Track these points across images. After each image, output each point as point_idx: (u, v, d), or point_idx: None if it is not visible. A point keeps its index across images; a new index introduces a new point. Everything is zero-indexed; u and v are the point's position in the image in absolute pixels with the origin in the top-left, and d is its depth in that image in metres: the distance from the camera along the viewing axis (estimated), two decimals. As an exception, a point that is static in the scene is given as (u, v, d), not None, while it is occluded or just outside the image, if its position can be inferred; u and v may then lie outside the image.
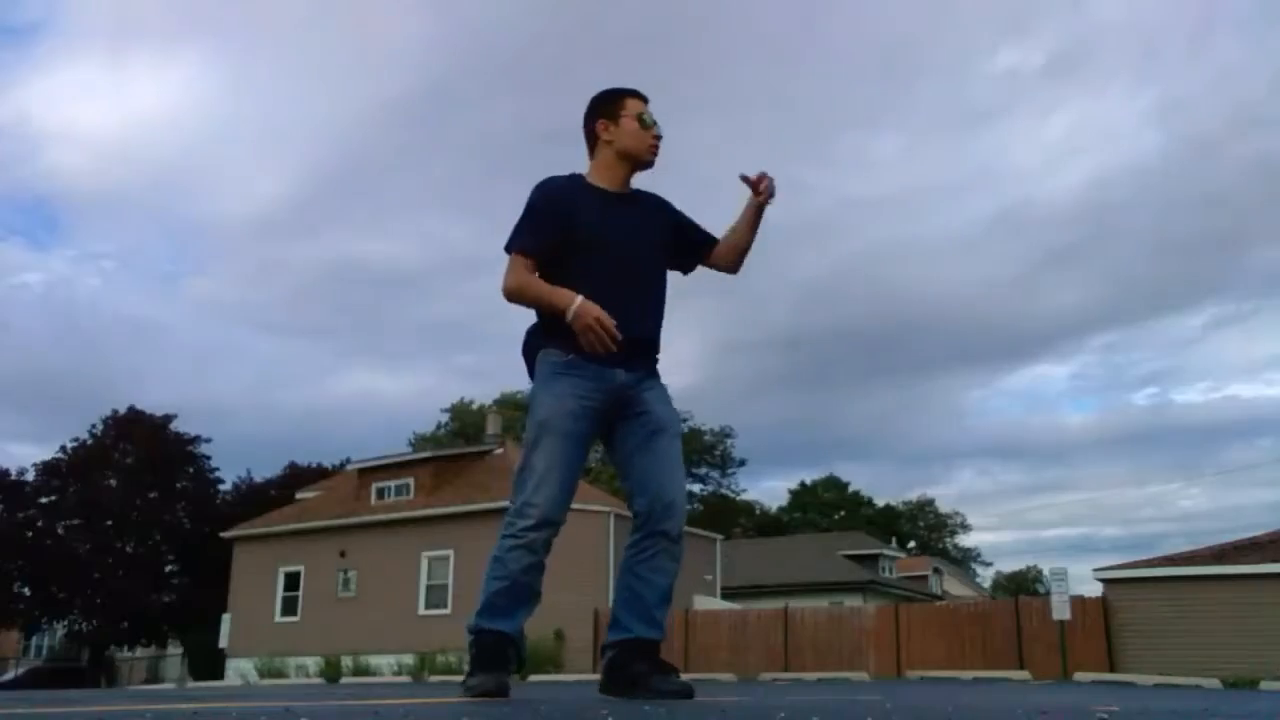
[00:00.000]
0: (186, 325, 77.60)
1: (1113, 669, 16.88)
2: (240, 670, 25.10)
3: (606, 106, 3.10)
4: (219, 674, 26.83)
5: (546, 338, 3.01)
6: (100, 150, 70.35)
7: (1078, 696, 5.58)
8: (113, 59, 68.33)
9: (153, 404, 42.68)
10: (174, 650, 35.21)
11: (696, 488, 57.37)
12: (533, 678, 17.20)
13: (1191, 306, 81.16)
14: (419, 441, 50.45)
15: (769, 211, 3.16)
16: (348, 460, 32.37)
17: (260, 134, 71.67)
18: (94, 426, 34.17)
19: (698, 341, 74.94)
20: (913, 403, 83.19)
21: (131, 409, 34.66)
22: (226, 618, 27.19)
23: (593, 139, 3.13)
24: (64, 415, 76.45)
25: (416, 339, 79.59)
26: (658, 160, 3.13)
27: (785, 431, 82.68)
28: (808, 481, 66.11)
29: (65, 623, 34.28)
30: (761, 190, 3.12)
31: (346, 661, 21.85)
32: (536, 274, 2.98)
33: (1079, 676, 16.10)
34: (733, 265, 3.27)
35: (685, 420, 55.09)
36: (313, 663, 22.61)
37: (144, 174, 74.16)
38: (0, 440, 69.21)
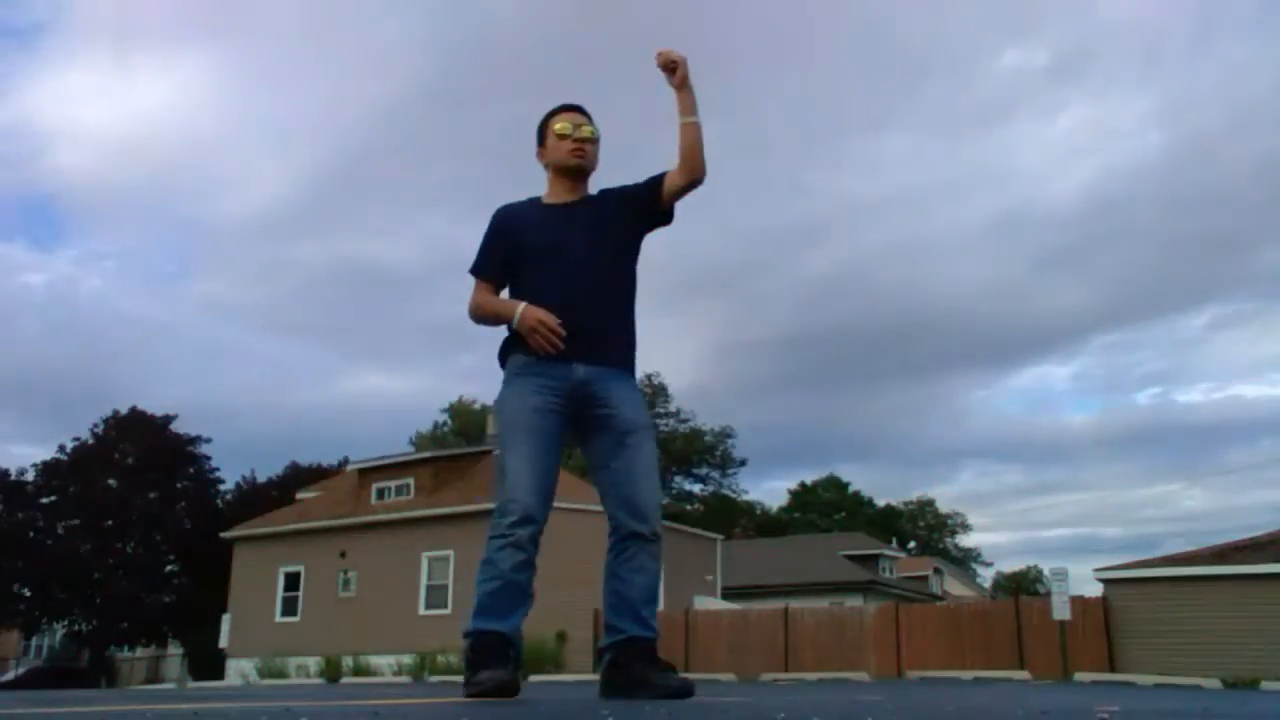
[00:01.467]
0: (188, 326, 77.65)
1: (1113, 669, 16.89)
2: (241, 670, 25.11)
3: (538, 136, 3.33)
4: (219, 674, 26.85)
5: (512, 345, 3.15)
6: (104, 150, 70.60)
7: (1078, 697, 5.58)
8: (117, 60, 68.42)
9: (155, 404, 42.75)
10: (174, 650, 35.23)
11: (697, 488, 57.43)
12: (533, 678, 17.20)
13: (1194, 307, 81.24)
14: (419, 441, 50.47)
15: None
16: (347, 460, 32.41)
17: (263, 134, 71.83)
18: (95, 426, 34.24)
19: (700, 341, 75.06)
20: (914, 403, 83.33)
21: (132, 409, 34.70)
22: (226, 618, 27.19)
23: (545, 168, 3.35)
24: (66, 416, 76.70)
25: (418, 339, 79.64)
26: (592, 160, 3.25)
27: (786, 431, 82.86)
28: (808, 482, 66.20)
29: (65, 623, 34.31)
30: (672, 67, 3.12)
31: (347, 661, 21.85)
32: (496, 293, 3.23)
33: (1079, 677, 16.11)
34: (690, 172, 3.15)
35: (686, 420, 55.19)
36: (313, 663, 22.61)
37: (147, 174, 74.30)
38: (4, 441, 69.12)
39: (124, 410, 34.69)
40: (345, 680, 19.54)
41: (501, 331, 3.23)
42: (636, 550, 3.02)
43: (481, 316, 3.22)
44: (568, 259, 3.12)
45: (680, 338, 72.80)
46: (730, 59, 66.48)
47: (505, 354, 3.19)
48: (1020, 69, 70.71)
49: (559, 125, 3.24)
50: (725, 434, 55.96)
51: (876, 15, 66.29)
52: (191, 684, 24.67)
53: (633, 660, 2.97)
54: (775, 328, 74.98)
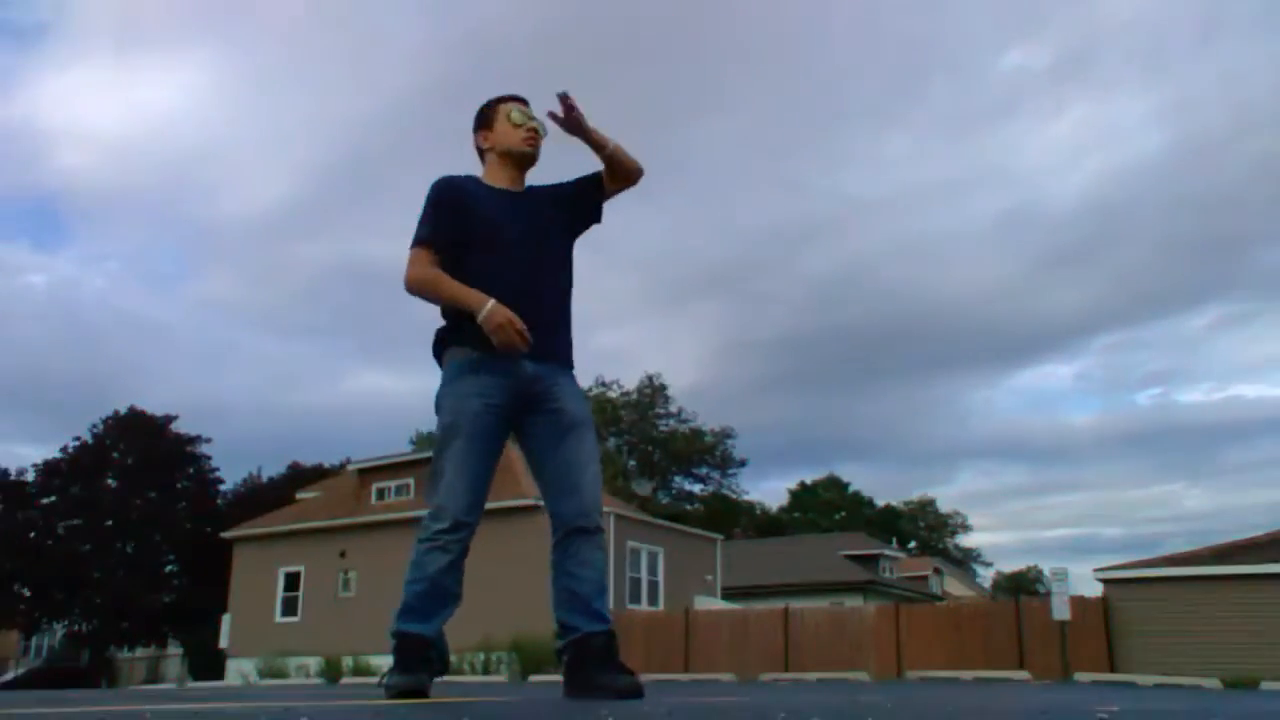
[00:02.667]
0: (191, 326, 77.72)
1: (1113, 669, 16.89)
2: (241, 670, 25.11)
3: (481, 119, 3.26)
4: (219, 674, 26.86)
5: (454, 336, 3.06)
6: (107, 151, 70.46)
7: (1078, 696, 5.58)
8: (119, 59, 68.27)
9: (157, 404, 42.85)
10: (174, 650, 35.24)
11: (697, 488, 57.41)
12: (533, 677, 17.21)
13: (1196, 307, 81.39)
14: (419, 441, 50.46)
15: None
16: (348, 460, 32.42)
17: (266, 134, 71.74)
18: (94, 426, 34.23)
19: (700, 341, 75.02)
20: (916, 403, 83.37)
21: (131, 409, 34.71)
22: (227, 618, 27.20)
23: (480, 153, 3.28)
24: (70, 416, 76.59)
25: (419, 338, 79.32)
26: (540, 152, 3.23)
27: (787, 431, 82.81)
28: (808, 482, 66.18)
29: (65, 623, 34.31)
30: (572, 116, 3.12)
31: (347, 661, 21.85)
32: (437, 265, 3.04)
33: (1079, 677, 16.11)
34: (629, 177, 3.24)
35: (686, 420, 55.17)
36: (313, 663, 22.62)
37: (150, 174, 74.27)
38: (5, 441, 69.22)
39: (123, 410, 34.73)
40: (346, 680, 19.54)
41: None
42: (581, 544, 3.01)
43: (427, 292, 3.03)
44: (517, 249, 3.08)
45: (681, 337, 72.84)
46: (733, 56, 66.54)
47: (442, 345, 3.11)
48: (1023, 68, 70.72)
49: (514, 113, 3.20)
50: (725, 434, 55.94)
51: (879, 14, 66.33)
52: (191, 684, 24.67)
53: (587, 660, 2.97)
54: (777, 327, 75.05)
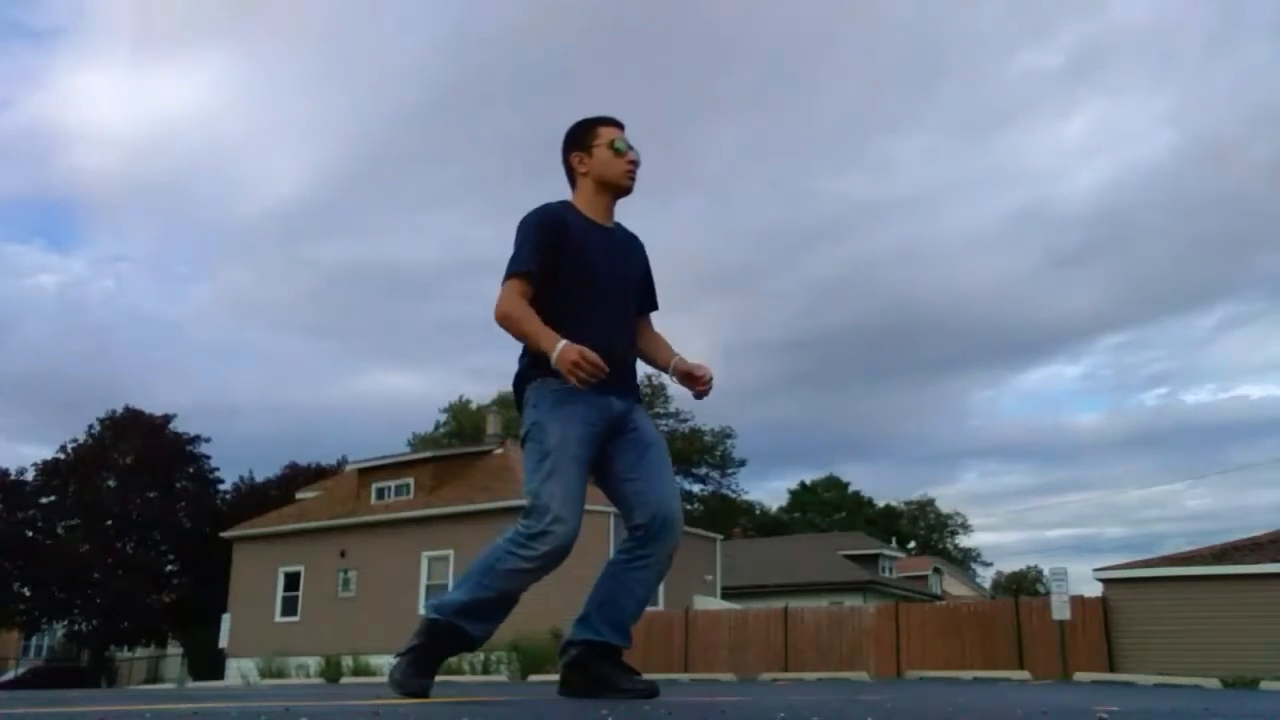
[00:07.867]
0: (199, 326, 77.66)
1: (1113, 669, 16.89)
2: (241, 670, 25.11)
3: (579, 139, 3.14)
4: (219, 674, 26.85)
5: (542, 369, 2.95)
6: (122, 152, 70.28)
7: (1078, 696, 5.58)
8: (134, 62, 68.10)
9: (163, 405, 42.76)
10: (174, 650, 35.21)
11: (696, 488, 57.39)
12: (532, 678, 17.21)
13: (1203, 307, 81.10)
14: (419, 441, 50.47)
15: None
16: (347, 460, 32.41)
17: (279, 135, 71.66)
18: (91, 427, 34.19)
19: (703, 341, 74.92)
20: (920, 403, 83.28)
21: (128, 408, 34.65)
22: (227, 618, 27.20)
23: (571, 173, 3.17)
24: (79, 416, 76.65)
25: (424, 339, 79.56)
26: (636, 185, 3.17)
27: (788, 432, 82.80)
28: (808, 481, 66.18)
29: (65, 623, 34.29)
30: (700, 387, 3.19)
31: (347, 661, 21.83)
32: (529, 298, 2.95)
33: (1079, 676, 16.11)
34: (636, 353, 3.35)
35: (685, 420, 55.18)
36: (313, 662, 22.61)
37: (163, 176, 73.93)
38: (12, 441, 69.29)
39: (120, 410, 34.65)
40: (345, 680, 19.54)
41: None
42: (651, 563, 3.03)
43: (511, 329, 2.92)
44: (606, 285, 3.05)
45: (682, 337, 72.50)
46: (744, 58, 66.57)
47: (529, 377, 3.01)
48: (1034, 70, 70.54)
49: (617, 140, 3.09)
50: (725, 434, 55.99)
51: (890, 16, 66.22)
52: (191, 684, 24.67)
53: (598, 662, 2.96)
54: (779, 328, 74.99)
